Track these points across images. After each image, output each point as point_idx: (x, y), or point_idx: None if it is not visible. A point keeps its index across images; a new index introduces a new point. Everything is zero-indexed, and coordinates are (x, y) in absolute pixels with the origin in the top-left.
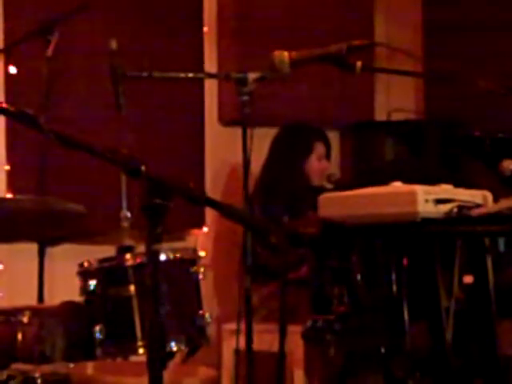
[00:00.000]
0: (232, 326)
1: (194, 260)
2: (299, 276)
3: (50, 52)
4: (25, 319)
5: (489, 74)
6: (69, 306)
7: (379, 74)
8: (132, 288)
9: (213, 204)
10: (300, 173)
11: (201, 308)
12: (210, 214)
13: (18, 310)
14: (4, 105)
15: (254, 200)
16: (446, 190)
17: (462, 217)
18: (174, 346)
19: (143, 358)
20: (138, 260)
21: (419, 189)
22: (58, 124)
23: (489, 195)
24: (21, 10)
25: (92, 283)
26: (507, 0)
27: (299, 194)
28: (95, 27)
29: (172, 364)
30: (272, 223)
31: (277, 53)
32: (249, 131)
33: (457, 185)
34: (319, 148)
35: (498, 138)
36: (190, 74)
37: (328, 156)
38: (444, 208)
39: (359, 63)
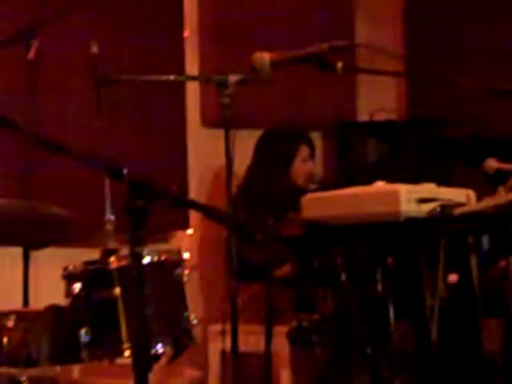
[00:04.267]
0: (218, 327)
1: (179, 262)
2: (283, 274)
3: (30, 56)
4: (10, 323)
5: (471, 73)
6: (54, 309)
7: (361, 75)
8: (117, 291)
9: (195, 206)
10: (285, 175)
11: (186, 309)
12: (194, 215)
13: (3, 315)
14: None
15: (237, 202)
16: (428, 189)
17: (445, 216)
18: (159, 348)
19: (129, 361)
20: (123, 263)
21: (402, 188)
22: (40, 128)
23: (472, 194)
24: (0, 14)
25: (77, 286)
26: None
27: (283, 195)
28: (76, 31)
29: (158, 366)
30: (256, 224)
31: (257, 55)
32: (231, 133)
33: (439, 184)
34: (303, 150)
35: (481, 137)
36: (172, 77)
37: (312, 156)
38: (427, 207)
39: (340, 64)
